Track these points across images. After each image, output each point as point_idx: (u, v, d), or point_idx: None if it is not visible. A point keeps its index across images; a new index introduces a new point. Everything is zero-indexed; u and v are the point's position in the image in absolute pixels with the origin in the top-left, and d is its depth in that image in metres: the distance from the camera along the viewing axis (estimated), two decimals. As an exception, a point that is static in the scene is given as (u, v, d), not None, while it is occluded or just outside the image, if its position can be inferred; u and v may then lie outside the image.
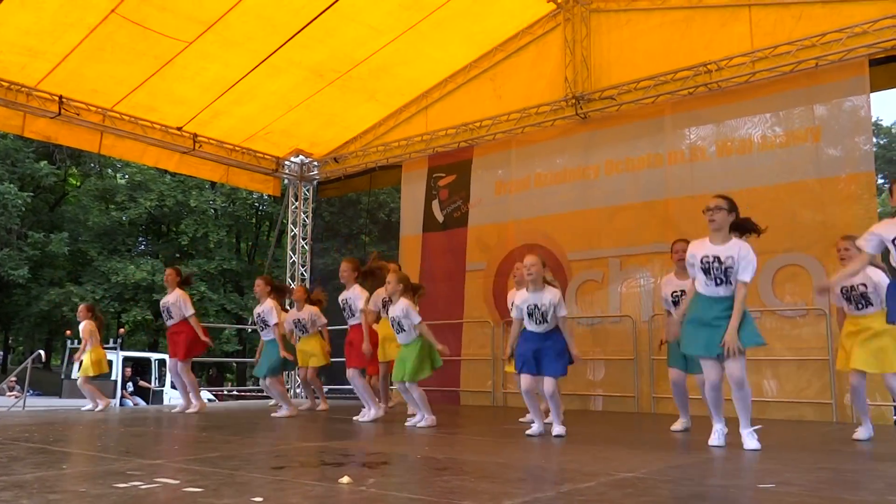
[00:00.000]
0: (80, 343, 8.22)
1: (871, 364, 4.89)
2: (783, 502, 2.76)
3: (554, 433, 5.14)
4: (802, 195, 7.33)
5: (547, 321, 5.10)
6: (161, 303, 7.79)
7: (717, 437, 4.52)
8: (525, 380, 5.15)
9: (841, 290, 5.05)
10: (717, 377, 4.38)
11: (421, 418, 5.92)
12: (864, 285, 4.91)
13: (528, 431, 5.26)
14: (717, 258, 4.36)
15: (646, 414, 7.80)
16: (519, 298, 5.25)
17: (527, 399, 5.26)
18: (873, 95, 7.25)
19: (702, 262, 4.41)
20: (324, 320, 7.93)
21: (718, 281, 4.36)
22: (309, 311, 7.93)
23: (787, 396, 7.16)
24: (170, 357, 7.76)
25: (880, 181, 25.60)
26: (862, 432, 5.13)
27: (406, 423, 5.98)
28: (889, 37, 6.94)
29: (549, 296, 5.10)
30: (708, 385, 4.49)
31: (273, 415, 7.05)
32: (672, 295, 5.48)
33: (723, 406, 4.54)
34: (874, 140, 14.49)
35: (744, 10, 7.88)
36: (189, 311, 7.49)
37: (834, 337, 6.88)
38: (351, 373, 6.38)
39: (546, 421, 5.42)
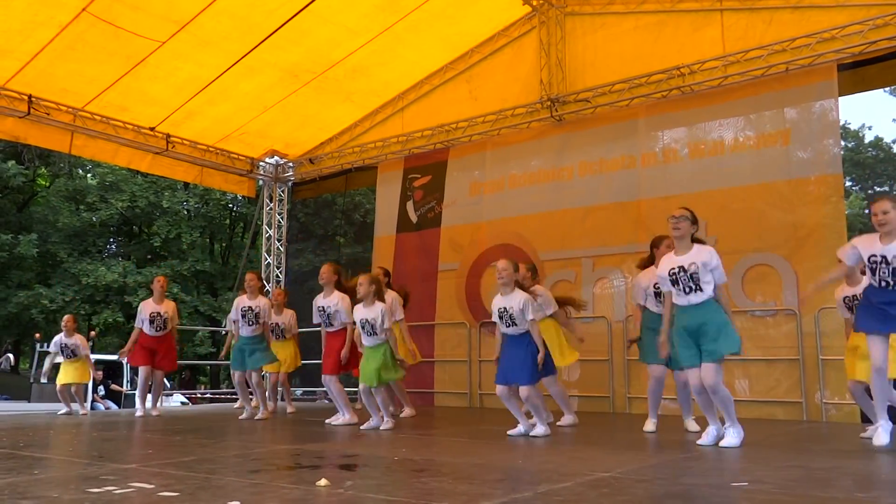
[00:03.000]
0: (63, 351, 8.06)
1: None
2: (756, 500, 2.81)
3: (532, 433, 5.19)
4: (772, 196, 7.45)
5: (516, 324, 5.18)
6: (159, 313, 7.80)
7: (708, 436, 4.63)
8: (498, 388, 5.27)
9: (843, 300, 5.15)
10: (699, 382, 4.51)
11: (378, 423, 5.90)
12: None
13: (510, 431, 5.30)
14: (682, 267, 4.51)
15: (620, 414, 7.87)
16: (494, 302, 5.34)
17: (506, 404, 5.33)
18: (841, 99, 7.39)
19: (669, 274, 4.57)
20: (297, 329, 8.14)
21: (688, 289, 4.50)
22: (288, 316, 7.93)
23: (757, 396, 7.26)
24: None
25: (848, 184, 26.15)
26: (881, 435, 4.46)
27: (362, 427, 5.96)
28: (856, 42, 7.09)
29: (518, 299, 5.18)
30: (693, 390, 4.64)
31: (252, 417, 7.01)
32: (654, 286, 5.39)
33: (714, 408, 4.63)
34: (842, 143, 14.73)
35: (716, 15, 7.99)
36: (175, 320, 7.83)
37: (804, 336, 7.01)
38: (327, 378, 6.32)
39: (532, 421, 5.47)
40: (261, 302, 7.00)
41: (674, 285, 4.55)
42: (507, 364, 5.23)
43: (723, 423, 4.65)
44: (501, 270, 5.24)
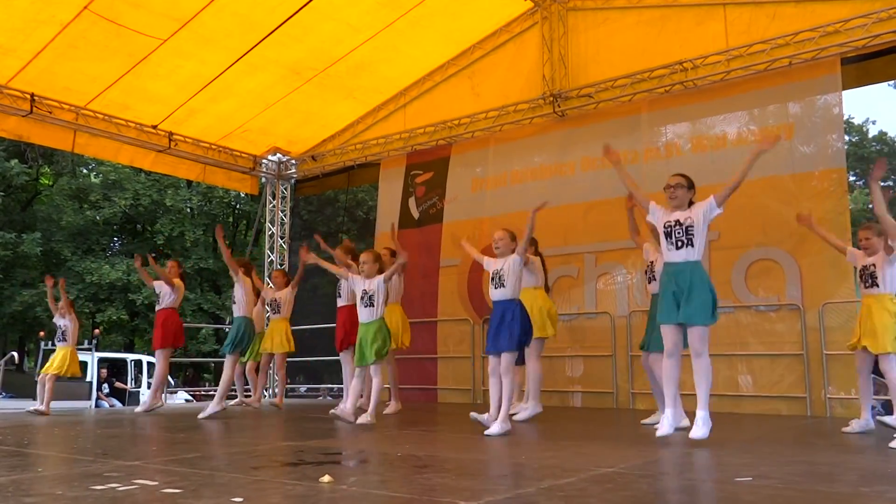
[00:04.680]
0: (56, 341, 7.95)
1: (869, 342, 4.98)
2: (760, 495, 2.80)
3: (488, 430, 4.95)
4: (776, 190, 7.42)
5: (504, 285, 5.20)
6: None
7: (664, 425, 4.37)
8: (489, 360, 5.22)
9: (859, 271, 5.19)
10: (672, 345, 4.37)
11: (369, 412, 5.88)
12: (874, 265, 5.03)
13: (488, 432, 5.11)
14: (678, 221, 4.47)
15: (624, 409, 7.86)
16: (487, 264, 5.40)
17: (491, 381, 5.23)
18: (845, 93, 7.37)
19: (664, 226, 4.51)
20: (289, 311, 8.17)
21: (679, 244, 4.42)
22: (286, 292, 7.97)
23: (761, 391, 7.25)
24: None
25: (852, 178, 26.05)
26: (854, 424, 5.15)
27: (333, 410, 6.01)
28: (860, 36, 7.05)
29: (512, 258, 5.23)
30: (665, 354, 4.47)
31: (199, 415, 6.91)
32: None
33: (674, 383, 4.42)
34: (846, 138, 14.67)
35: (718, 9, 7.96)
36: (177, 302, 7.75)
37: (808, 331, 7.00)
38: (344, 355, 6.73)
39: (521, 407, 5.45)
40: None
41: (666, 238, 4.49)
42: (493, 332, 5.16)
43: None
44: (498, 240, 5.35)
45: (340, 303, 7.17)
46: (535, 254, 6.56)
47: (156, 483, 2.99)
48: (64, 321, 7.83)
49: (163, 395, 8.15)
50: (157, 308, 7.86)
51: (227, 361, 6.98)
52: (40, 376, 7.89)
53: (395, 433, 5.34)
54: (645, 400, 7.79)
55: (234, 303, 7.16)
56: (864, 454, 4.18)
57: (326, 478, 3.01)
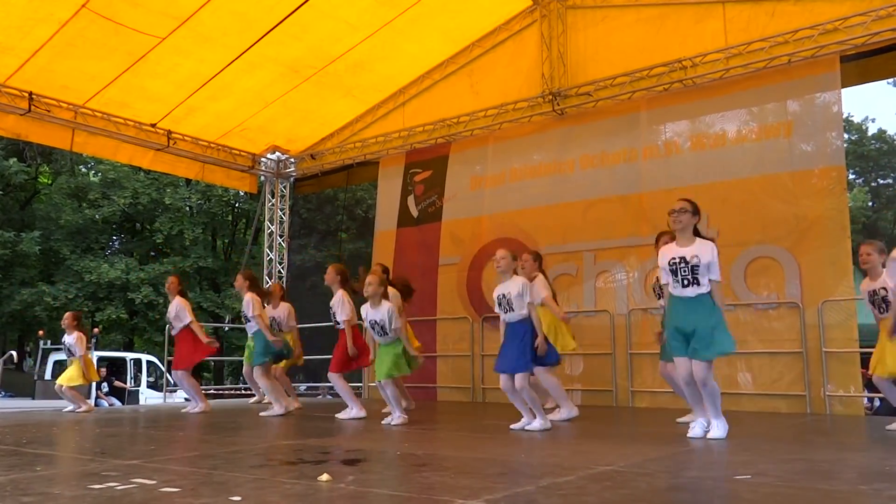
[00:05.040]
0: (56, 346, 8.05)
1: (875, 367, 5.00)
2: (759, 493, 2.80)
3: (527, 426, 5.15)
4: (775, 188, 7.42)
5: (513, 309, 5.19)
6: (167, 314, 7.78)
7: (696, 429, 4.61)
8: (501, 380, 5.25)
9: (867, 296, 5.14)
10: (686, 373, 4.48)
11: (393, 416, 5.94)
12: (885, 289, 4.98)
13: (512, 426, 5.27)
14: (683, 258, 4.48)
15: (623, 408, 7.86)
16: (494, 291, 5.38)
17: (510, 397, 5.31)
18: (844, 91, 7.36)
19: (669, 264, 4.54)
20: (294, 322, 8.04)
21: (686, 282, 4.47)
22: (284, 309, 7.91)
23: (760, 389, 7.25)
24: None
25: (851, 176, 26.06)
26: None
27: (382, 422, 5.98)
28: (859, 34, 7.04)
29: (517, 283, 5.20)
30: (681, 381, 4.60)
31: (261, 413, 6.97)
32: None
33: (701, 399, 4.62)
34: (845, 136, 14.64)
35: (717, 7, 7.95)
36: (186, 318, 7.45)
37: (807, 328, 7.00)
38: (332, 376, 6.45)
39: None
40: (245, 299, 7.12)
41: (672, 275, 4.53)
42: (505, 352, 5.23)
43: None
44: (500, 259, 5.31)
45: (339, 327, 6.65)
46: (539, 269, 6.41)
47: (154, 482, 2.99)
48: (69, 338, 7.90)
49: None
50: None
51: (258, 372, 6.99)
52: (56, 387, 8.03)
53: (393, 432, 5.34)
54: (644, 398, 7.79)
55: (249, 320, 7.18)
56: (864, 452, 4.18)
57: (325, 476, 3.01)
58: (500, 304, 5.26)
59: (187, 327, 7.46)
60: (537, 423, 5.16)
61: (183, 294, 7.62)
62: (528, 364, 5.14)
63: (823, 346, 6.84)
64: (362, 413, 6.40)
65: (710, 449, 4.15)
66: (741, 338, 7.33)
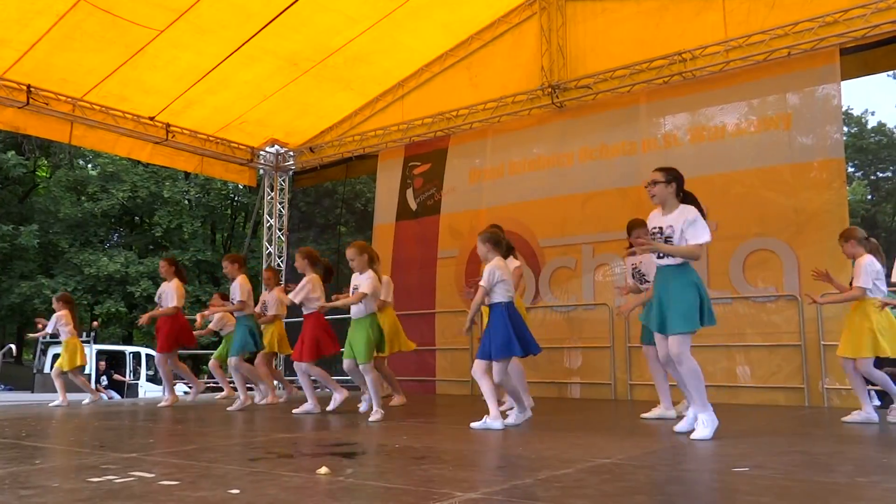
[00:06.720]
0: (55, 339, 8.02)
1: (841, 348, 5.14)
2: (757, 485, 2.80)
3: (473, 425, 4.93)
4: (774, 181, 7.42)
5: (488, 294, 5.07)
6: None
7: (686, 421, 4.45)
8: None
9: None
10: (665, 351, 4.33)
11: (366, 407, 5.77)
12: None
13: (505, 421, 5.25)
14: (660, 228, 4.34)
15: (622, 401, 7.87)
16: None
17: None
18: (844, 84, 7.37)
19: (651, 232, 4.42)
20: (283, 311, 7.74)
21: (661, 253, 4.31)
22: (272, 295, 7.73)
23: (759, 381, 7.26)
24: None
25: (850, 169, 26.03)
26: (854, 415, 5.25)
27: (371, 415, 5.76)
28: (859, 26, 7.03)
29: (487, 269, 5.06)
30: (660, 359, 4.50)
31: (228, 409, 6.79)
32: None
33: (665, 387, 4.52)
34: (845, 129, 14.66)
35: (717, 0, 7.93)
36: (172, 302, 7.34)
37: (805, 321, 7.00)
38: (301, 365, 6.19)
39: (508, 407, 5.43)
40: (233, 284, 7.04)
41: None
42: (483, 339, 5.11)
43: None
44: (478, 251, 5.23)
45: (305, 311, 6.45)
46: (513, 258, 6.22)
47: (153, 475, 2.99)
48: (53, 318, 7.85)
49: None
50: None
51: (232, 363, 6.90)
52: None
53: (392, 425, 5.34)
54: (643, 391, 7.80)
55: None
56: (862, 444, 4.19)
57: (324, 469, 3.01)
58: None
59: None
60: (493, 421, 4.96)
61: (181, 277, 7.50)
62: (493, 352, 4.95)
63: (822, 338, 6.85)
64: (318, 409, 6.25)
65: (709, 442, 4.15)
66: (740, 330, 7.38)
